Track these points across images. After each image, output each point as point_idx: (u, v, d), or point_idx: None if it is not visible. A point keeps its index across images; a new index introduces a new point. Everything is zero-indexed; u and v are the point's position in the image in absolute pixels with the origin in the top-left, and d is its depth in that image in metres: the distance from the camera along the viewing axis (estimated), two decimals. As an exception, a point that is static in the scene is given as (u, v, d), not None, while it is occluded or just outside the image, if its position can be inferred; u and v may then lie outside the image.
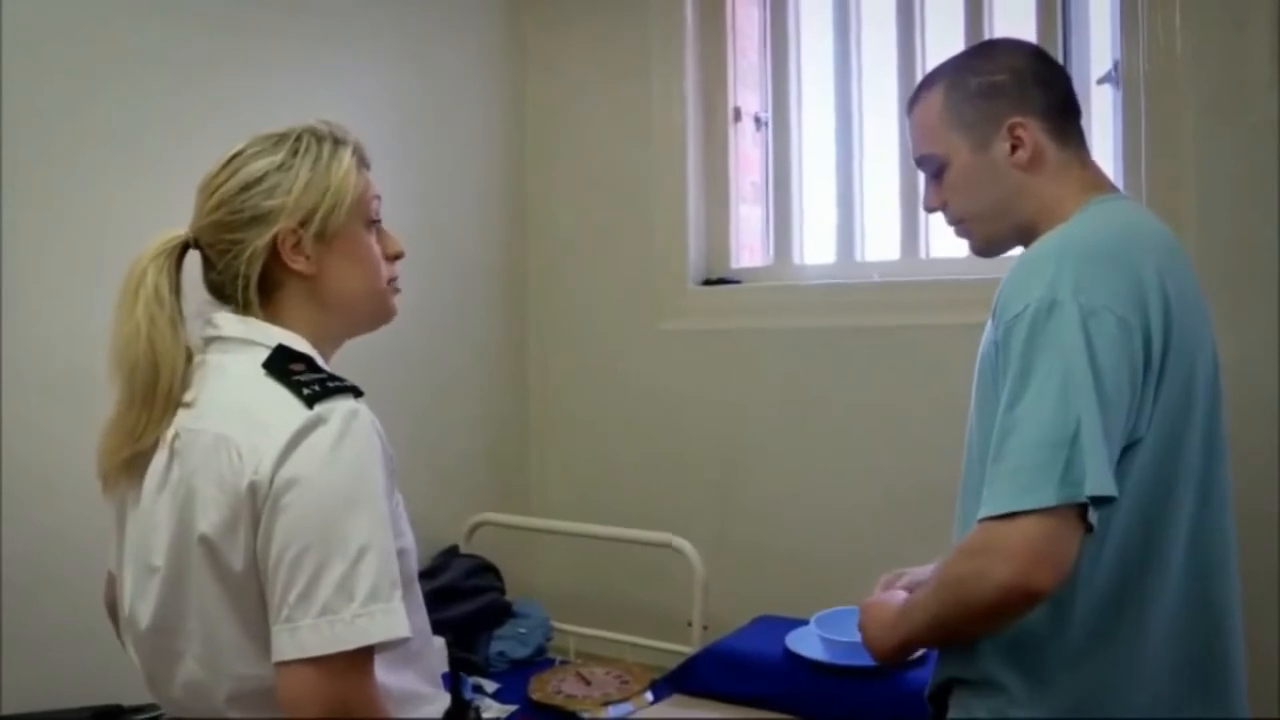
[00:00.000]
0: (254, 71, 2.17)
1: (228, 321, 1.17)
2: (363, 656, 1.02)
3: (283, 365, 1.12)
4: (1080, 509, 1.06)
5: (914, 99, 1.40)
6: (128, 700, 1.72)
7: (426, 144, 2.61)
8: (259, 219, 1.16)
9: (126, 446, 1.14)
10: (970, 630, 1.18)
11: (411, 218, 2.53)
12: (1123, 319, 1.11)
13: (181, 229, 1.20)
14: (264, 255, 1.16)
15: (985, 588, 1.07)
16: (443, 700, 1.24)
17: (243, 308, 1.17)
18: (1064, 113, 1.32)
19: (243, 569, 1.06)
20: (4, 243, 1.78)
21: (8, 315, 1.79)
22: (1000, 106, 1.30)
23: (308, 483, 1.03)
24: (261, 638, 1.05)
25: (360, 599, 1.01)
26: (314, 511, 1.03)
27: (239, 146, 1.20)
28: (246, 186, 1.16)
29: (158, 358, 1.13)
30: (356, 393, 1.11)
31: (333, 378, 1.12)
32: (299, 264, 1.17)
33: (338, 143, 1.21)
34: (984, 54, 1.37)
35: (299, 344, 1.16)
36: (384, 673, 1.09)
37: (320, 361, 1.17)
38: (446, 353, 2.68)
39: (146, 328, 1.13)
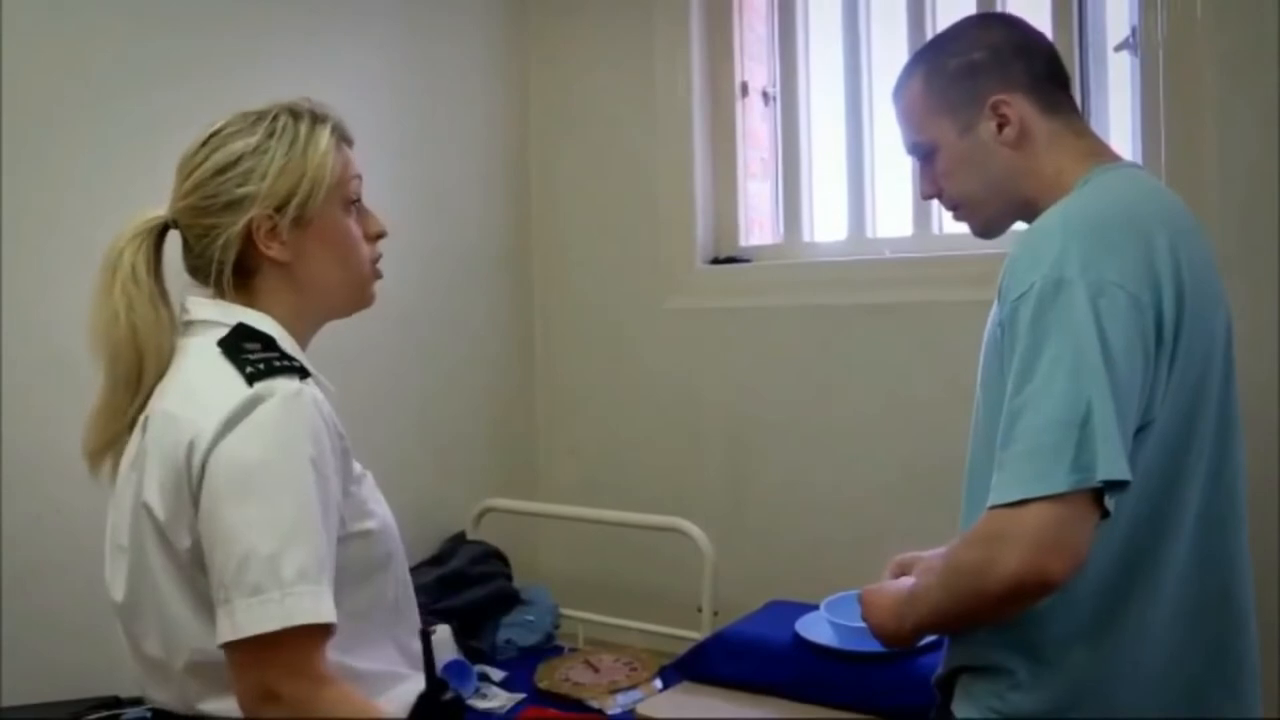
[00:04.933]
0: (254, 66, 2.15)
1: (198, 306, 1.17)
2: (294, 637, 1.00)
3: (236, 343, 1.11)
4: (1094, 494, 1.02)
5: (896, 87, 1.37)
6: (124, 692, 1.71)
7: (429, 125, 2.57)
8: (233, 204, 1.14)
9: (111, 429, 1.15)
10: (979, 618, 1.15)
11: (414, 201, 2.50)
12: (1134, 296, 1.07)
13: (161, 209, 1.19)
14: (239, 242, 1.14)
15: (996, 577, 1.03)
16: (416, 681, 1.20)
17: (219, 293, 1.16)
18: (1050, 82, 1.28)
19: (189, 546, 1.06)
20: (4, 241, 1.78)
21: (8, 313, 1.79)
22: (981, 85, 1.26)
23: (240, 462, 1.03)
24: (211, 615, 1.04)
25: (288, 580, 0.99)
26: (244, 491, 1.02)
27: (217, 125, 1.19)
28: (221, 170, 1.15)
29: (139, 340, 1.13)
30: (303, 373, 1.10)
31: (283, 357, 1.11)
32: (274, 251, 1.16)
33: (316, 121, 1.19)
34: (959, 34, 1.33)
35: (264, 324, 1.15)
36: (348, 655, 1.08)
37: (288, 343, 1.15)
38: (451, 338, 2.65)
39: (125, 311, 1.12)
